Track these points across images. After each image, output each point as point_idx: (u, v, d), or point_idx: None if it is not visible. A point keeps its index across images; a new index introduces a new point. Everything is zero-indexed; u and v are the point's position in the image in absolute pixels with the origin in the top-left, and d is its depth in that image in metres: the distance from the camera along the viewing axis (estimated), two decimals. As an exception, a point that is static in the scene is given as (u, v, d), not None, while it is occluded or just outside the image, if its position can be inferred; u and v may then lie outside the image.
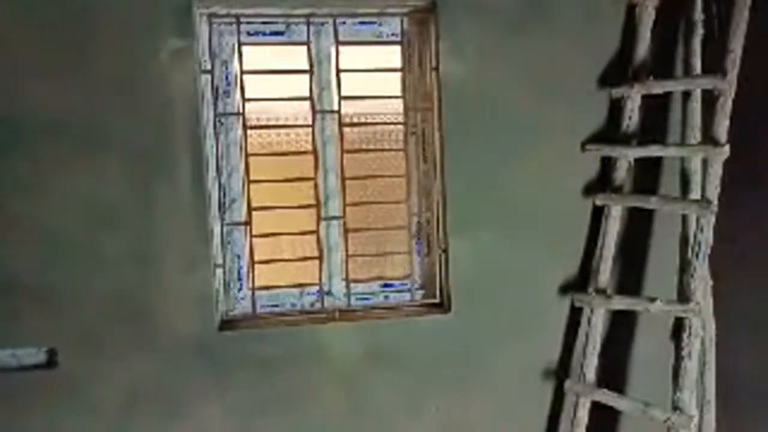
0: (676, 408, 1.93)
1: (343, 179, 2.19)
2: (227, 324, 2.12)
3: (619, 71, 2.18)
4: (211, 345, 2.04)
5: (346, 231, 2.21)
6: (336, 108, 2.17)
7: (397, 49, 2.24)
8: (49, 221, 1.95)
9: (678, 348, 1.99)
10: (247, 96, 2.11)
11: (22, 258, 1.94)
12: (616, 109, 2.19)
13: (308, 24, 2.13)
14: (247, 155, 2.14)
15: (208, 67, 2.09)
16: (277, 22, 2.16)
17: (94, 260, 1.97)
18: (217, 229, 2.13)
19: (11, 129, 1.91)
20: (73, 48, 1.93)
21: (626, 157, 2.15)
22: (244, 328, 2.11)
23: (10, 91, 1.90)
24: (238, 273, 2.21)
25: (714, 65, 1.97)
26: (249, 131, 2.15)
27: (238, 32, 2.09)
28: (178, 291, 2.01)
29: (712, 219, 1.93)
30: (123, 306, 1.99)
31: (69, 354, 1.97)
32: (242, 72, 2.11)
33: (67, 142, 1.94)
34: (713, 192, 1.94)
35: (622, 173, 2.16)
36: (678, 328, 2.03)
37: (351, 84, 2.17)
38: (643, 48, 2.15)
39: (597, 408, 2.11)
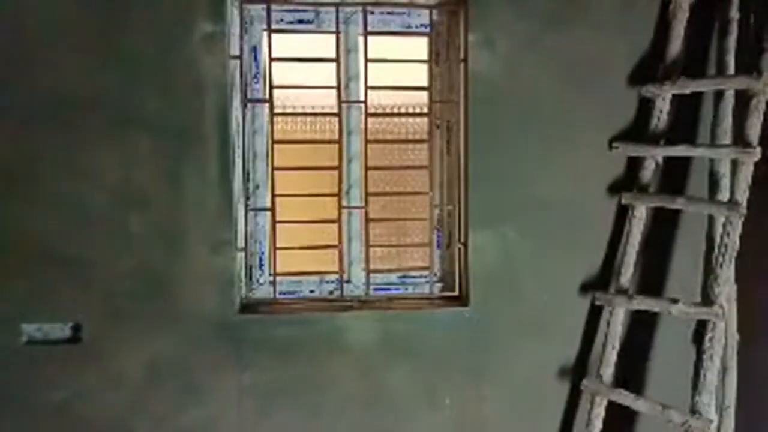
0: (694, 411, 1.91)
1: (366, 169, 2.21)
2: (247, 307, 2.15)
3: (650, 68, 2.15)
4: (231, 326, 2.08)
5: (367, 221, 2.22)
6: (362, 98, 2.18)
7: (425, 40, 2.24)
8: (80, 197, 1.99)
9: (699, 351, 1.96)
10: (274, 83, 2.13)
11: (53, 232, 1.98)
12: (645, 107, 2.16)
13: (337, 13, 2.15)
14: (272, 142, 2.17)
15: (238, 52, 2.12)
16: (306, 10, 2.18)
17: (122, 237, 2.01)
18: (241, 214, 2.16)
19: (49, 104, 1.96)
20: (110, 27, 1.97)
21: (654, 156, 2.12)
22: (264, 312, 2.14)
23: (50, 67, 1.95)
24: (260, 258, 2.24)
25: (748, 65, 1.93)
26: (275, 118, 2.17)
27: (268, 19, 2.11)
28: (201, 272, 2.04)
29: (740, 222, 1.89)
30: (147, 284, 2.03)
31: (94, 328, 2.02)
32: (271, 59, 2.13)
33: (101, 119, 1.98)
34: (742, 194, 1.91)
35: (648, 173, 2.13)
36: (700, 331, 2.00)
37: (377, 74, 2.17)
38: (675, 45, 2.12)
39: (613, 408, 2.10)
